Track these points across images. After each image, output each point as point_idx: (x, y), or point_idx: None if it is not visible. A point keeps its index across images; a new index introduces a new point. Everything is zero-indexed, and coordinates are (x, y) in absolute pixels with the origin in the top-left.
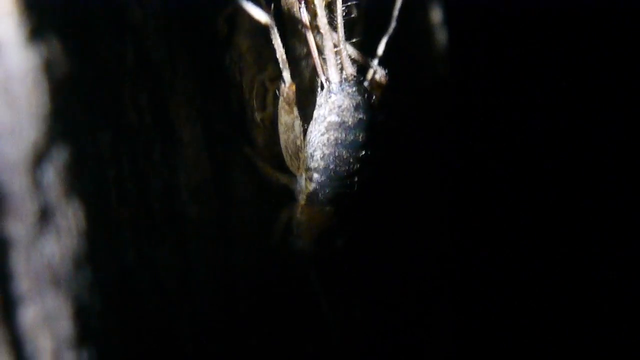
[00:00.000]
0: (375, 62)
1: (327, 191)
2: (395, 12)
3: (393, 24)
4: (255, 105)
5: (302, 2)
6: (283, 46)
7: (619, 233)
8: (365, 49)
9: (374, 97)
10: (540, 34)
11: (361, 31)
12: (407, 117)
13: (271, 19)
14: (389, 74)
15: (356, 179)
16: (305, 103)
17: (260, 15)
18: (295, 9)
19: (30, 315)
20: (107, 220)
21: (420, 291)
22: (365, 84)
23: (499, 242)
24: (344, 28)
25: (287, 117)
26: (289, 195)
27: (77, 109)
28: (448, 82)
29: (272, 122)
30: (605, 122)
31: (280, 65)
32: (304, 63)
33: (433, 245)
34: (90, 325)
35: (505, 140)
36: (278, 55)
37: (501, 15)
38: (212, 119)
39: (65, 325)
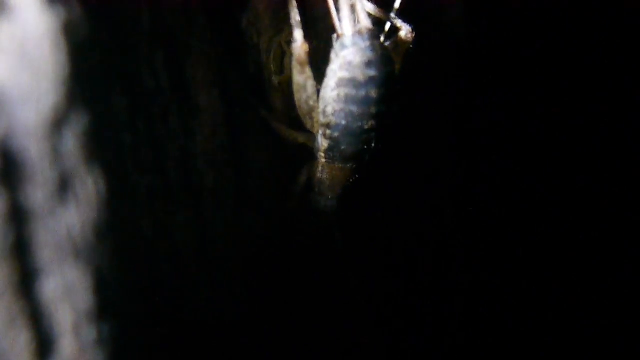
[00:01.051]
0: (400, 21)
1: (343, 147)
2: None
3: None
4: (272, 68)
5: None
6: (300, 5)
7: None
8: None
9: (388, 53)
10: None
11: None
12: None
13: None
14: (415, 31)
15: (372, 134)
16: (323, 64)
17: None
18: None
19: (50, 287)
20: (125, 188)
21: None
22: (383, 39)
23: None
24: None
25: (300, 77)
26: (308, 156)
27: (94, 73)
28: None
29: (290, 85)
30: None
31: (293, 24)
32: (322, 25)
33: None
34: (110, 297)
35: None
36: (291, 14)
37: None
38: (229, 82)
39: (85, 298)
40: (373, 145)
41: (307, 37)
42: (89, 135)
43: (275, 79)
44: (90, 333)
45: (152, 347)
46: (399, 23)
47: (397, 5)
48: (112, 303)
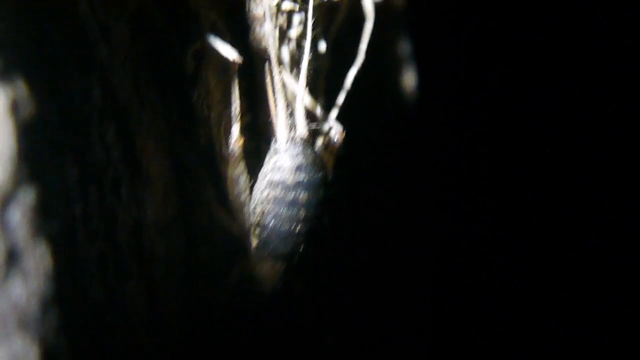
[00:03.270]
0: (332, 118)
1: (271, 247)
2: (363, 46)
3: (360, 59)
4: (223, 140)
5: (267, 59)
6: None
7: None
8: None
9: (320, 159)
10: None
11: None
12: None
13: (239, 55)
14: (346, 130)
15: (301, 238)
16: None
17: (228, 52)
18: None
19: None
20: (74, 259)
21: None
22: (319, 142)
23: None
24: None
25: (232, 172)
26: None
27: (43, 148)
28: (416, 118)
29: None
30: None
31: (232, 117)
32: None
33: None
34: None
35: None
36: (232, 106)
37: (472, 49)
38: (180, 154)
39: None
40: (301, 248)
41: (245, 131)
42: (37, 210)
43: (225, 151)
44: None
45: None
46: (331, 123)
47: (346, 87)
48: None
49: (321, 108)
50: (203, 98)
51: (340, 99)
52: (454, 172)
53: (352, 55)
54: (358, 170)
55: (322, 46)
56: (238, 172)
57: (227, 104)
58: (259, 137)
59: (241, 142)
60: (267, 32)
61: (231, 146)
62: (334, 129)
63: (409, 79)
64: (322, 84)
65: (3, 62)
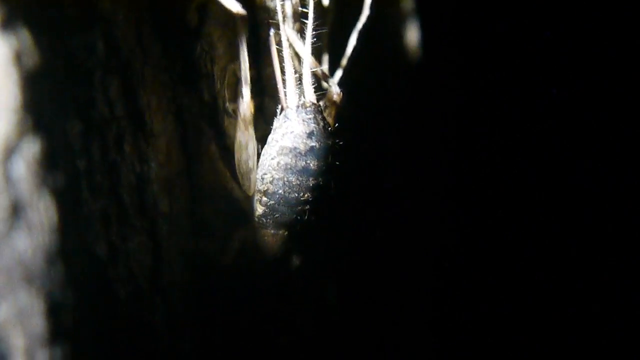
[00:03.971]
0: (335, 79)
1: (277, 215)
2: (367, 2)
3: (365, 16)
4: (226, 95)
5: (272, 27)
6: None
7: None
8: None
9: (329, 127)
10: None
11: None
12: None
13: (243, 8)
14: (344, 93)
15: (307, 206)
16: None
17: (231, 5)
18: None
19: (2, 312)
20: (78, 213)
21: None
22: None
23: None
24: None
25: (242, 136)
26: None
27: (47, 101)
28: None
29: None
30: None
31: (242, 80)
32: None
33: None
34: (64, 321)
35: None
36: (241, 68)
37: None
38: (183, 110)
39: (38, 322)
40: (306, 216)
41: (255, 94)
42: (41, 163)
43: (229, 106)
44: (43, 357)
45: None
46: (330, 83)
47: (351, 46)
48: (65, 327)
49: (325, 67)
50: (206, 52)
51: (346, 55)
52: (457, 130)
53: (358, 11)
54: (362, 129)
55: (326, 1)
56: (247, 137)
57: (231, 58)
58: (262, 93)
59: (252, 106)
60: None
61: (242, 109)
62: (334, 90)
63: (413, 35)
64: (327, 40)
65: (7, 13)
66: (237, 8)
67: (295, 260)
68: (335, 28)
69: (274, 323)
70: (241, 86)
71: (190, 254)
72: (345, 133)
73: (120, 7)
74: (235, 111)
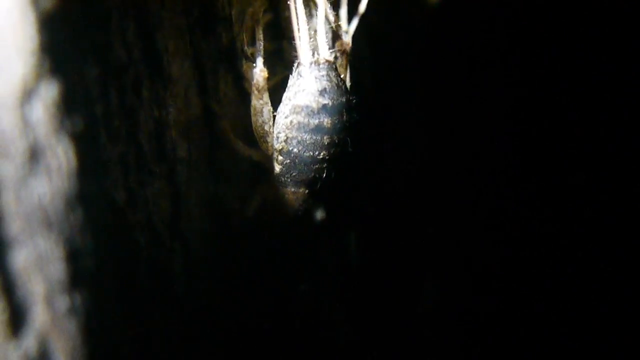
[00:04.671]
0: (350, 28)
1: (294, 174)
2: None
3: None
4: (245, 39)
5: None
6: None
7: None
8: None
9: (343, 84)
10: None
11: None
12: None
13: None
14: (354, 43)
15: (324, 164)
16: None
17: None
18: None
19: (21, 258)
20: (97, 158)
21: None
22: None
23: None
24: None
25: (257, 102)
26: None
27: (64, 44)
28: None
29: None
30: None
31: (256, 48)
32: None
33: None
34: (83, 267)
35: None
36: (257, 37)
37: None
38: (201, 53)
39: (57, 268)
40: (325, 174)
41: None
42: (59, 106)
43: (247, 50)
44: (63, 303)
45: (126, 316)
46: (342, 32)
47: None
48: (85, 273)
49: (344, 11)
50: None
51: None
52: (473, 82)
53: None
54: (381, 82)
55: None
56: (262, 103)
57: (249, 1)
58: (281, 37)
59: (265, 73)
60: None
61: (256, 77)
62: (345, 39)
63: None
64: None
65: None
66: None
67: (317, 218)
68: None
69: (292, 274)
70: (255, 54)
71: (209, 200)
72: (365, 87)
73: None
74: (254, 54)
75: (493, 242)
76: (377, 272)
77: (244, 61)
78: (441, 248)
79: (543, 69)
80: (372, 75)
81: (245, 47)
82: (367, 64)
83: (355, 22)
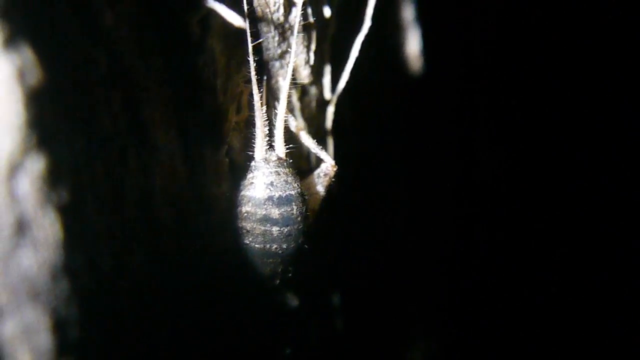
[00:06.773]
0: (325, 154)
1: (253, 263)
2: (369, 11)
3: (366, 25)
4: (230, 108)
5: (258, 91)
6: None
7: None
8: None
9: (292, 180)
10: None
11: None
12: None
13: (245, 21)
14: (338, 165)
15: (278, 259)
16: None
17: (233, 18)
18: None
19: (8, 329)
20: (83, 229)
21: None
22: (317, 173)
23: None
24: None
25: (216, 191)
26: None
27: (50, 117)
28: (422, 86)
29: (248, 124)
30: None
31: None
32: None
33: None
34: (69, 337)
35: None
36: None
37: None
38: (186, 123)
39: (44, 338)
40: (280, 270)
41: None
42: (45, 179)
43: (232, 119)
44: None
45: None
46: (322, 155)
47: (354, 54)
48: (71, 342)
49: (327, 79)
50: (209, 65)
51: (347, 68)
52: (461, 139)
53: (358, 22)
54: (365, 137)
55: (327, 12)
56: (220, 192)
57: (233, 71)
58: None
59: (226, 162)
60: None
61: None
62: (328, 161)
63: (414, 45)
64: (328, 50)
65: (10, 31)
66: (239, 22)
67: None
68: (336, 40)
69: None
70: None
71: (196, 267)
72: (350, 139)
73: (123, 21)
74: (239, 124)
75: (479, 299)
76: (363, 333)
77: (229, 130)
78: (429, 306)
79: (527, 128)
80: (355, 135)
81: (230, 116)
82: (351, 126)
83: (341, 82)
